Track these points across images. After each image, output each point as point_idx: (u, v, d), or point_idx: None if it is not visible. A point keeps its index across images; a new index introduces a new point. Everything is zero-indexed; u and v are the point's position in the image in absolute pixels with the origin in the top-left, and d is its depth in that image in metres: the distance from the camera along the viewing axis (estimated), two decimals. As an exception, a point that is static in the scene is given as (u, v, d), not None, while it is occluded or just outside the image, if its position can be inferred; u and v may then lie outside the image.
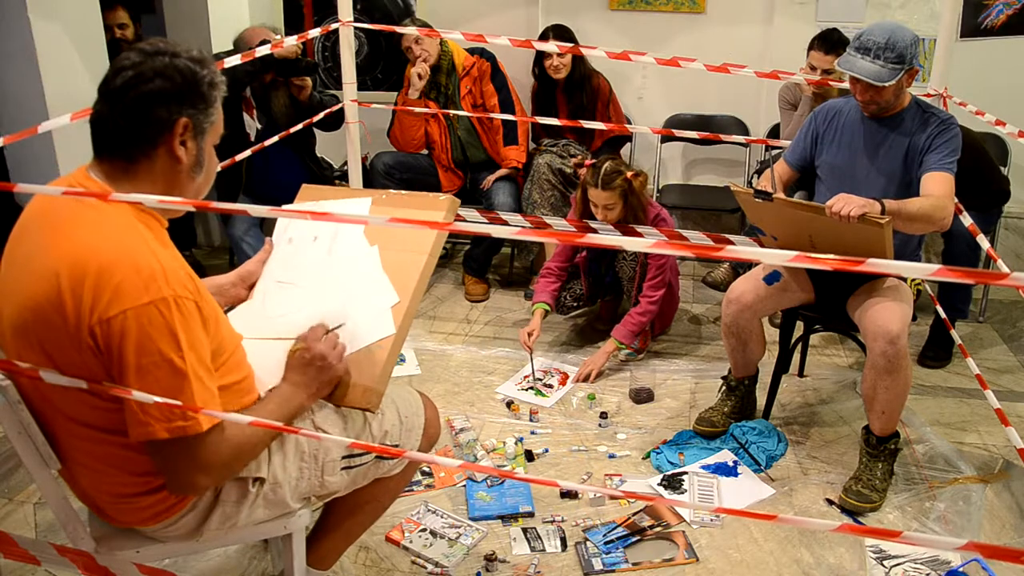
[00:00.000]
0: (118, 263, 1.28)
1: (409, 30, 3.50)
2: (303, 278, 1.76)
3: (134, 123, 1.36)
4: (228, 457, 1.40)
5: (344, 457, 1.65)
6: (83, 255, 1.29)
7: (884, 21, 2.41)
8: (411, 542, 2.21)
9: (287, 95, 3.47)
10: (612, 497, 2.40)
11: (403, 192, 1.85)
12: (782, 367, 2.82)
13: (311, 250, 1.77)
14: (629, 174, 3.07)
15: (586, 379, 3.06)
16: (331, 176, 3.93)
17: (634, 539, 2.24)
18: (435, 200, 1.75)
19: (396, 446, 1.73)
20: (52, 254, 1.31)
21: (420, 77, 3.70)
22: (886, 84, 2.29)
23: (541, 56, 3.81)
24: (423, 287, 1.69)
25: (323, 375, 1.57)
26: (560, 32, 3.75)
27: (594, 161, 3.16)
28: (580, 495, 2.41)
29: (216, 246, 4.38)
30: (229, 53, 3.47)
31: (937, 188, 2.32)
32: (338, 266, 1.75)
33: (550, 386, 3.06)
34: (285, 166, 3.53)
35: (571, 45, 3.61)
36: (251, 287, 1.82)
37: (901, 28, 2.31)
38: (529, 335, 3.13)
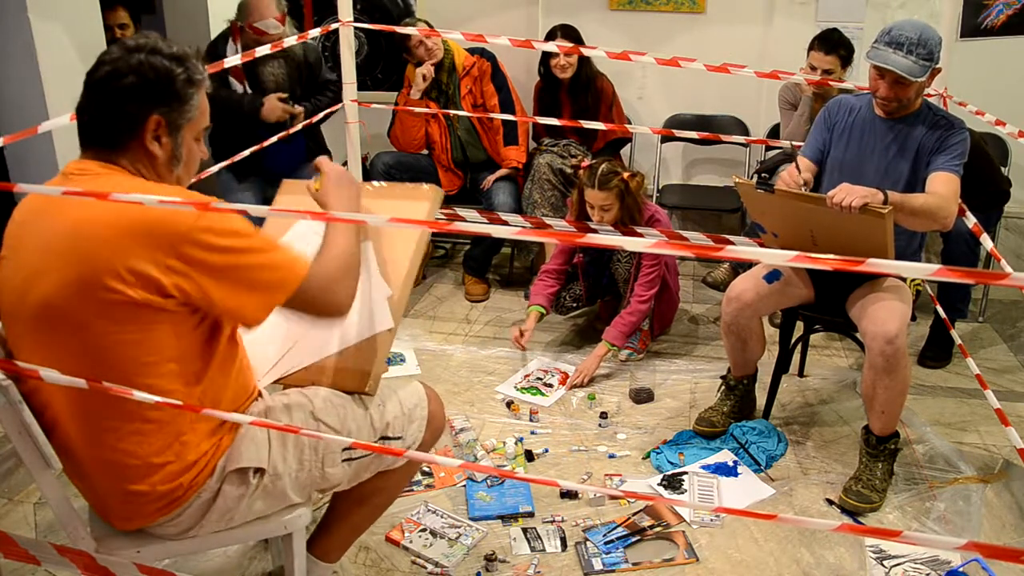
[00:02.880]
0: (151, 208, 1.30)
1: (410, 30, 3.51)
2: None
3: (108, 118, 1.41)
4: (338, 271, 1.52)
5: (345, 449, 1.66)
6: (113, 219, 1.31)
7: (911, 19, 2.43)
8: (411, 542, 2.21)
9: (280, 67, 3.50)
10: (612, 497, 2.40)
11: (386, 184, 1.87)
12: (782, 367, 2.82)
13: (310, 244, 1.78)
14: (625, 175, 3.07)
15: (580, 385, 3.06)
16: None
17: (634, 539, 2.24)
18: (419, 191, 1.77)
19: (399, 437, 1.74)
20: (79, 231, 1.33)
21: (425, 78, 3.70)
22: (918, 79, 2.30)
23: (547, 55, 3.81)
24: (412, 278, 1.73)
25: (353, 187, 1.70)
26: (568, 32, 3.75)
27: (590, 163, 3.16)
28: (580, 495, 2.41)
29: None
30: (223, 35, 3.52)
31: (943, 187, 2.32)
32: None
33: (550, 386, 3.06)
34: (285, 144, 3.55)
35: (572, 44, 3.61)
36: None
37: (928, 26, 2.33)
38: (521, 334, 3.13)
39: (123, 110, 1.39)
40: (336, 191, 1.67)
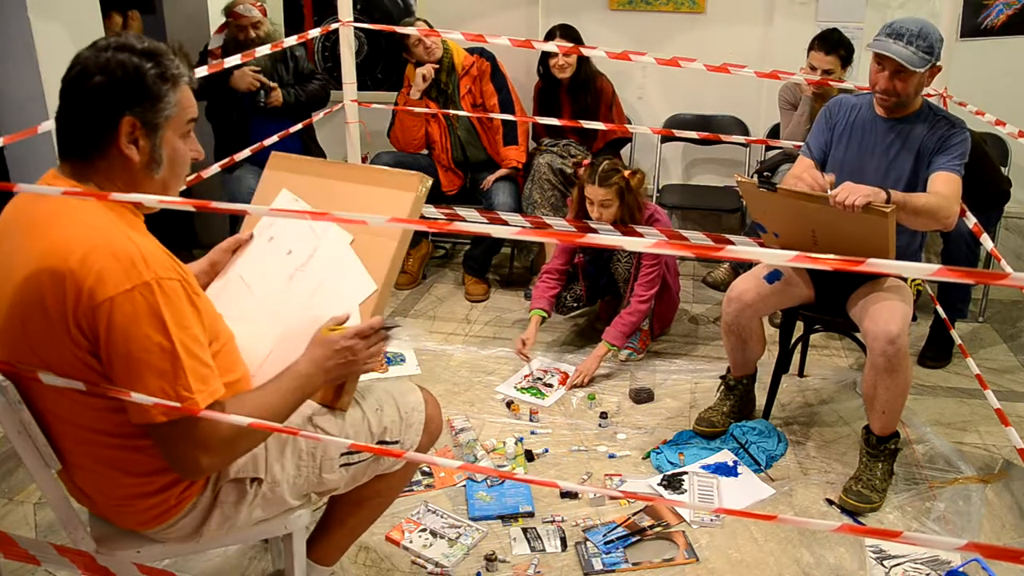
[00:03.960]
0: (95, 253, 1.26)
1: (409, 30, 3.51)
2: (262, 287, 1.71)
3: (80, 122, 1.34)
4: (230, 435, 1.36)
5: (343, 454, 1.65)
6: (60, 251, 1.27)
7: (913, 16, 2.43)
8: (411, 542, 2.21)
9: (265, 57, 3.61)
10: (612, 497, 2.40)
11: (375, 167, 1.80)
12: (782, 367, 2.82)
13: (283, 261, 1.72)
14: (626, 172, 3.08)
15: (580, 385, 3.06)
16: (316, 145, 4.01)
17: (634, 539, 2.24)
18: (406, 178, 1.70)
19: (396, 442, 1.73)
20: (30, 255, 1.30)
21: (424, 78, 3.70)
22: (917, 70, 2.30)
23: (546, 55, 3.81)
24: (394, 274, 1.67)
25: (348, 368, 1.54)
26: (566, 31, 3.75)
27: (592, 161, 3.16)
28: (580, 495, 2.41)
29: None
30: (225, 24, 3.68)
31: (944, 187, 2.33)
32: (311, 268, 1.71)
33: (550, 386, 3.06)
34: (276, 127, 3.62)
35: (572, 44, 3.61)
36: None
37: (929, 22, 2.35)
38: (524, 343, 3.13)
39: (93, 113, 1.32)
40: (329, 359, 1.51)
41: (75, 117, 1.34)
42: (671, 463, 2.57)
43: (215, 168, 3.17)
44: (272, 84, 3.69)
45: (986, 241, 2.59)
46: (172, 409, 1.29)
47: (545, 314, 3.25)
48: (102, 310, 1.25)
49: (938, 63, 2.34)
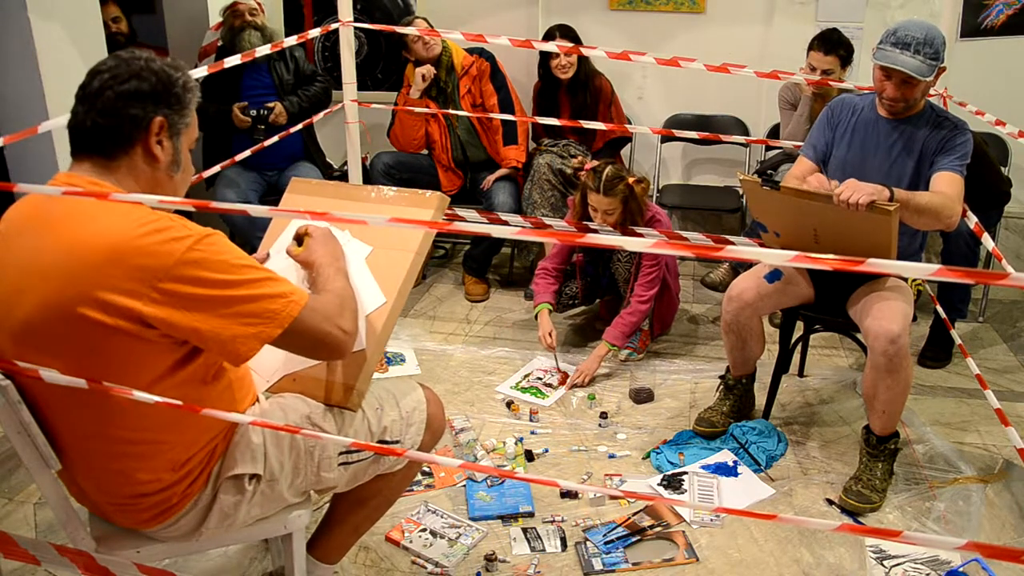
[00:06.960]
0: (138, 236, 1.29)
1: (410, 30, 3.51)
2: None
3: (111, 121, 1.39)
4: (337, 300, 1.51)
5: (342, 453, 1.65)
6: (100, 244, 1.29)
7: (915, 19, 2.43)
8: (411, 542, 2.21)
9: (257, 38, 3.66)
10: (612, 497, 2.40)
11: (393, 190, 1.85)
12: (782, 367, 2.82)
13: (300, 277, 1.74)
14: (631, 180, 3.06)
15: (580, 385, 3.06)
16: (321, 158, 4.02)
17: (634, 539, 2.24)
18: (424, 198, 1.75)
19: (397, 441, 1.73)
20: (64, 252, 1.30)
21: (424, 78, 3.70)
22: (926, 79, 2.30)
23: (546, 55, 3.81)
24: (409, 285, 1.70)
25: (337, 243, 1.69)
26: (566, 32, 3.75)
27: (595, 164, 3.14)
28: (580, 495, 2.41)
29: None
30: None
31: (947, 187, 2.33)
32: None
33: (550, 386, 3.06)
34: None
35: (572, 45, 3.61)
36: None
37: (933, 25, 2.34)
38: (549, 335, 3.13)
39: (127, 113, 1.39)
40: (322, 248, 1.65)
41: (106, 117, 1.39)
42: (671, 463, 2.57)
43: (216, 168, 3.16)
44: (270, 104, 3.66)
45: (987, 241, 2.59)
46: (281, 319, 1.38)
47: (551, 307, 3.25)
48: (168, 284, 1.29)
49: (942, 64, 2.34)
